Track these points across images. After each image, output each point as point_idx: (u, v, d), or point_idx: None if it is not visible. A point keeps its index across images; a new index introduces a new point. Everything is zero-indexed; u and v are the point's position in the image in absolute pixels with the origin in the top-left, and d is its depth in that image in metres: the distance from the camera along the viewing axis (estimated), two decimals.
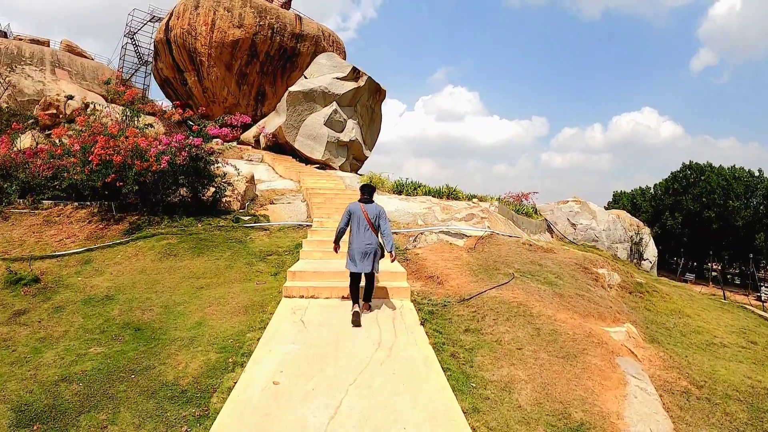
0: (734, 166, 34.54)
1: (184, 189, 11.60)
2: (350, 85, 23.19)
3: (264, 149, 24.08)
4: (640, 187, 42.00)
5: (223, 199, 11.94)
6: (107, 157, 10.73)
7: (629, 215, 24.84)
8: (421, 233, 10.16)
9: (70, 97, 26.73)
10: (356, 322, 5.77)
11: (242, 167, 19.51)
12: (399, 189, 17.56)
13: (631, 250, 23.05)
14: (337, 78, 23.18)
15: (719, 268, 33.04)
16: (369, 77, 23.80)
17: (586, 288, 8.80)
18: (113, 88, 12.54)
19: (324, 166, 22.10)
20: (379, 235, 6.24)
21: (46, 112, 25.31)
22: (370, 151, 26.41)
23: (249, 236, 10.32)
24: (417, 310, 6.38)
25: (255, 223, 11.01)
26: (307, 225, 10.74)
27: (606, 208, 25.26)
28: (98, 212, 12.46)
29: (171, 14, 27.82)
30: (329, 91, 22.48)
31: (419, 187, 17.74)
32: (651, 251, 23.63)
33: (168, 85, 30.17)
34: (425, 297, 7.10)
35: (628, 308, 9.55)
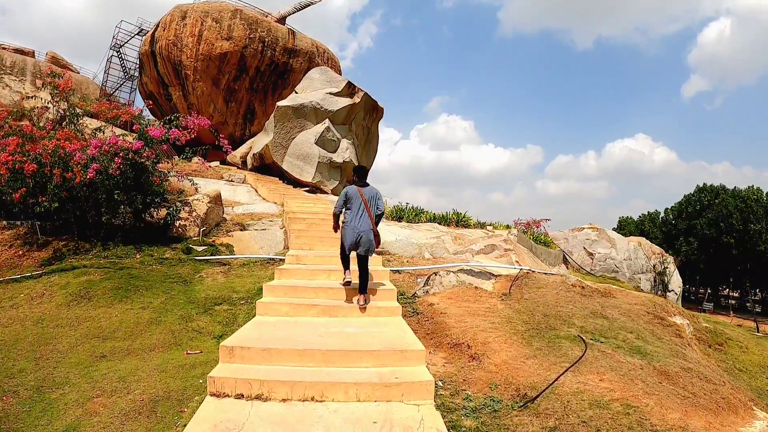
0: (752, 186, 31.23)
1: (126, 208, 8.64)
2: (345, 102, 20.48)
3: (251, 170, 21.24)
4: (648, 212, 38.96)
5: (178, 223, 8.94)
6: (18, 166, 7.81)
7: (649, 243, 21.95)
8: (436, 274, 7.15)
9: (45, 109, 23.92)
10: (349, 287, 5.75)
11: (221, 188, 16.63)
12: (398, 215, 14.65)
13: (654, 281, 20.09)
14: (331, 93, 20.48)
15: (737, 295, 29.91)
16: (365, 93, 21.15)
17: (680, 353, 5.95)
18: (48, 81, 9.63)
19: (314, 189, 19.18)
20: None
21: (19, 124, 22.53)
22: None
23: (199, 273, 7.29)
24: (449, 428, 3.33)
25: (212, 255, 8.00)
26: (280, 259, 7.74)
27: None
28: (24, 234, 9.51)
29: (158, 25, 25.32)
30: (322, 107, 19.74)
31: (422, 213, 14.83)
32: (676, 282, 20.66)
33: (153, 100, 27.41)
34: (456, 390, 4.07)
35: (725, 372, 6.83)
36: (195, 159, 22.12)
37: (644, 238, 22.45)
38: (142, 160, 8.19)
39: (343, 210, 5.84)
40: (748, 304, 30.48)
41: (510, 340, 5.12)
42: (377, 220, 5.84)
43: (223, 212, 10.28)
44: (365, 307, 5.48)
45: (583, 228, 20.83)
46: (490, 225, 13.40)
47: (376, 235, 5.77)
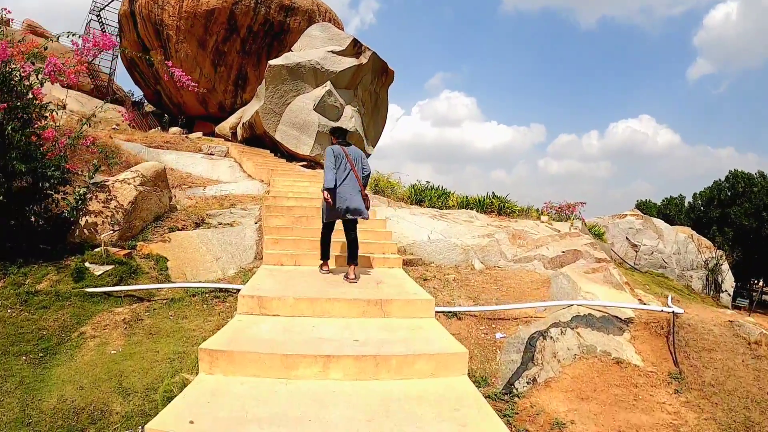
0: None
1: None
2: (350, 62, 16.54)
3: (241, 143, 17.48)
4: (671, 197, 35.13)
5: (84, 221, 5.29)
6: None
7: (698, 234, 18.27)
8: (542, 335, 3.50)
9: None
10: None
11: (197, 163, 12.95)
12: (418, 198, 11.01)
13: (707, 279, 16.50)
14: (333, 52, 16.51)
15: None
16: (374, 53, 17.21)
17: None
18: None
19: (313, 164, 15.46)
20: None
21: None
22: (374, 147, 19.82)
23: (83, 327, 3.67)
24: None
25: (119, 282, 4.36)
26: (236, 290, 4.11)
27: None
28: None
29: None
30: (322, 68, 15.84)
31: (449, 195, 11.19)
32: (729, 281, 17.01)
33: (134, 67, 23.50)
34: None
35: None
36: (172, 129, 18.40)
37: (692, 230, 18.81)
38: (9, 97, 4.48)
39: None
40: None
41: None
42: (365, 182, 5.04)
43: (172, 199, 6.58)
44: (356, 280, 4.51)
45: (626, 215, 17.12)
46: (544, 215, 9.78)
47: (366, 198, 4.96)
